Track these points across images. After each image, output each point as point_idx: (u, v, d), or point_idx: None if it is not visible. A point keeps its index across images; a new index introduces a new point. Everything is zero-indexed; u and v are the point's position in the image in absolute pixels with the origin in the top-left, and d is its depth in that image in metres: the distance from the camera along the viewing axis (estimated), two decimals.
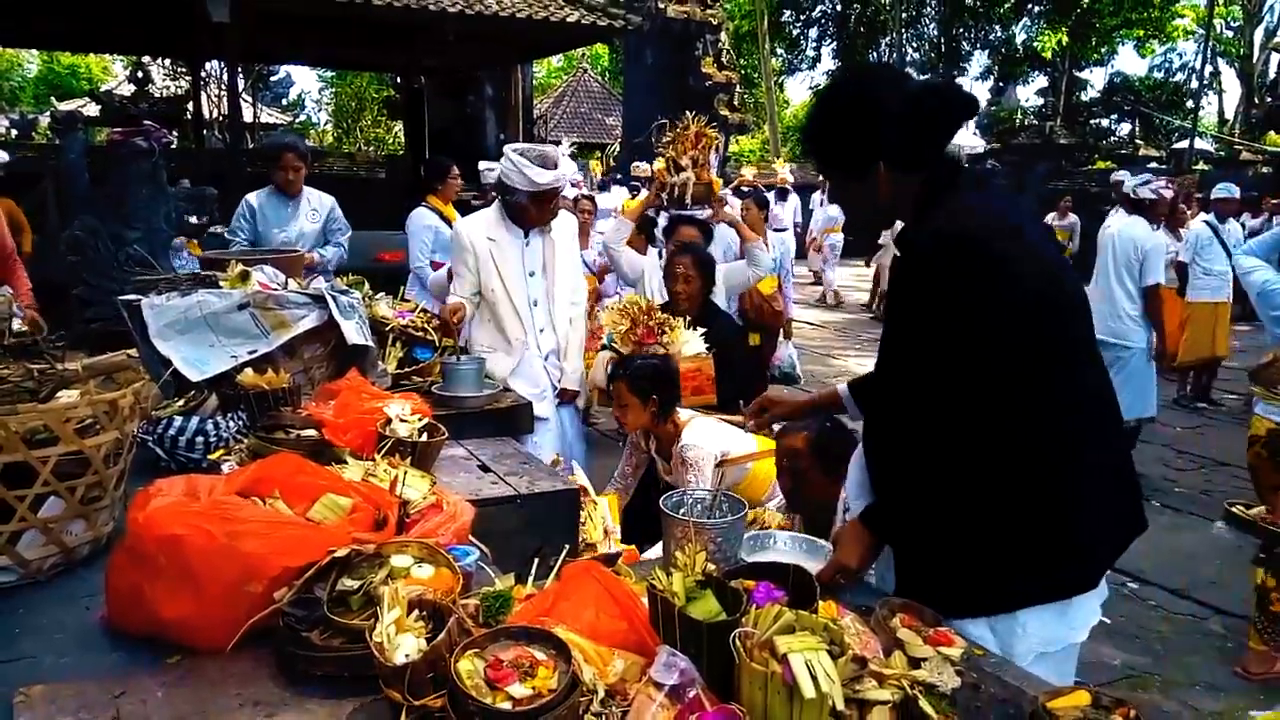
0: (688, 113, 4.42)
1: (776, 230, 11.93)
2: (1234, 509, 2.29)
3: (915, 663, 1.41)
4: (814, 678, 1.18)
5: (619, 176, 15.40)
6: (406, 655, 1.28)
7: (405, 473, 1.90)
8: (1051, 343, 1.69)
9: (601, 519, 2.98)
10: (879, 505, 1.81)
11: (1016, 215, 1.86)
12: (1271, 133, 22.87)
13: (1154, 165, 19.55)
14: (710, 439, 3.19)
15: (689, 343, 3.78)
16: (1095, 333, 1.91)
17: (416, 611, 1.38)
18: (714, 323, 4.15)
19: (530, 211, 3.59)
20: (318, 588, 1.51)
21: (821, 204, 16.66)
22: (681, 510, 1.92)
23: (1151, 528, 1.90)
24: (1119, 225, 6.32)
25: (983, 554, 1.72)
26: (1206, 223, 8.03)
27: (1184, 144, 20.22)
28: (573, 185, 12.59)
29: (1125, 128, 31.52)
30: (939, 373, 1.65)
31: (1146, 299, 6.09)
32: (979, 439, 1.65)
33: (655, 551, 2.62)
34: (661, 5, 17.40)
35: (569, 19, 11.82)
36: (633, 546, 2.91)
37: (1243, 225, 10.96)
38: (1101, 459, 1.78)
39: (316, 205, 5.22)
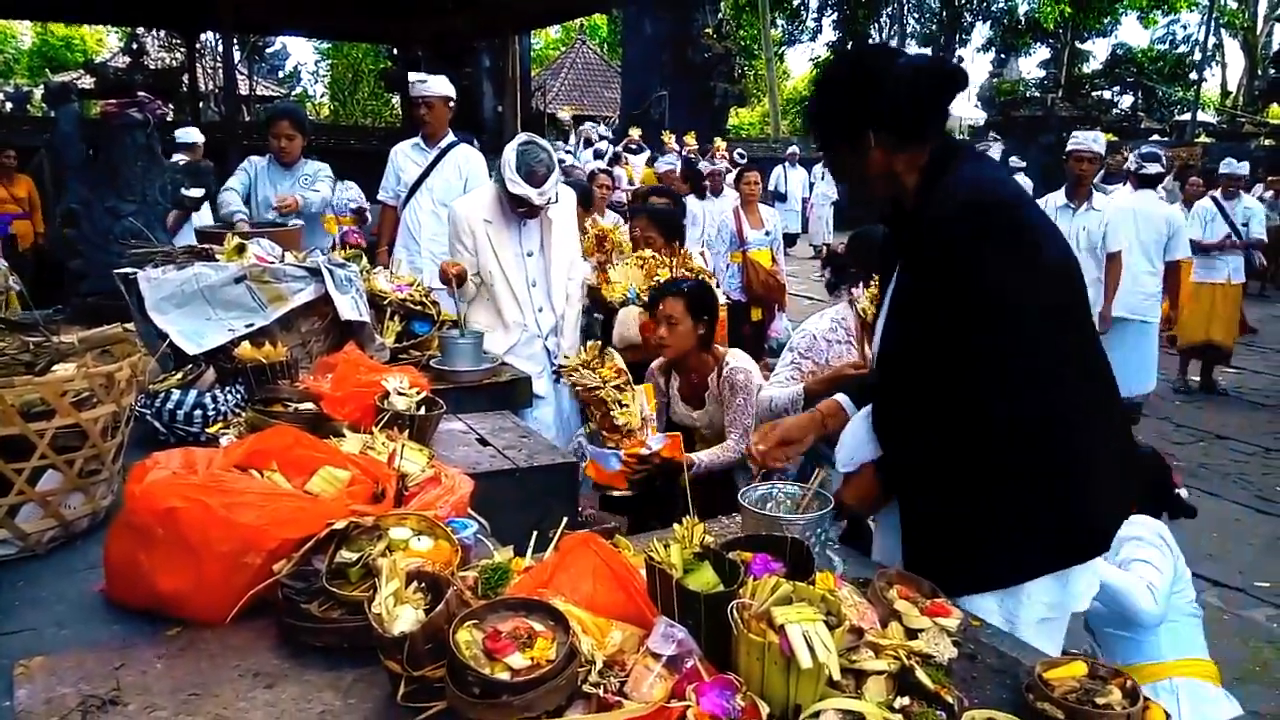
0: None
1: (774, 203, 11.92)
2: None
3: (912, 634, 1.41)
4: (811, 648, 1.18)
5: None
6: (405, 627, 1.28)
7: (403, 446, 1.90)
8: (1069, 310, 1.73)
9: (639, 407, 3.02)
10: (892, 464, 1.83)
11: (1018, 186, 1.90)
12: (1274, 105, 22.73)
13: (1156, 138, 19.46)
14: (754, 366, 3.27)
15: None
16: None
17: (415, 583, 1.38)
18: None
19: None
20: (316, 560, 1.51)
21: (823, 177, 16.73)
22: (769, 505, 1.82)
23: None
24: (1132, 203, 6.23)
25: (996, 527, 1.73)
26: (1213, 198, 7.91)
27: (1186, 116, 20.10)
28: (597, 157, 12.52)
29: (1127, 100, 31.29)
30: (967, 341, 1.66)
31: (1170, 273, 6.14)
32: (1000, 408, 1.66)
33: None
34: None
35: None
36: (678, 434, 3.01)
37: (1261, 199, 10.85)
38: (1108, 428, 1.80)
39: (311, 173, 5.19)
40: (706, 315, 3.26)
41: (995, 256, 1.64)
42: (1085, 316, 1.85)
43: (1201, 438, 6.60)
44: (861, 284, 3.03)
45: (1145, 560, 2.34)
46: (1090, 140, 5.70)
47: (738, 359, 3.29)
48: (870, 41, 33.43)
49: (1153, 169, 6.30)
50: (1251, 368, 8.70)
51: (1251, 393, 7.75)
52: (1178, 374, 7.91)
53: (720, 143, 14.71)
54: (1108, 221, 5.68)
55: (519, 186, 3.42)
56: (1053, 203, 5.79)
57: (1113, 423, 1.84)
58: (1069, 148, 5.72)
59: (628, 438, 2.97)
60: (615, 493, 3.03)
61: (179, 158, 6.15)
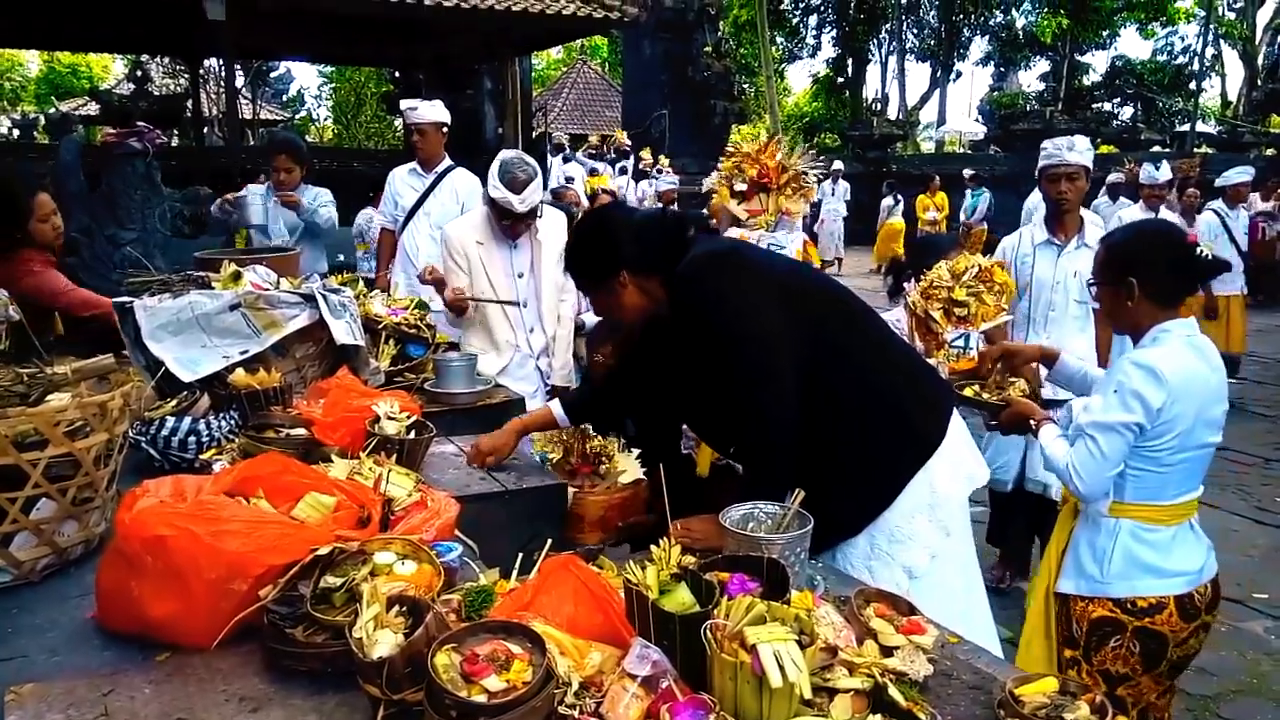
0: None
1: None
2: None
3: (887, 651, 1.43)
4: (781, 667, 1.21)
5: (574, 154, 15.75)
6: (385, 651, 1.30)
7: (389, 470, 1.92)
8: (830, 301, 2.22)
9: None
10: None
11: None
12: (1274, 115, 22.74)
13: (1156, 149, 19.48)
14: None
15: (626, 471, 2.85)
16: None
17: (397, 608, 1.40)
18: None
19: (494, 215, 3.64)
20: (302, 585, 1.53)
21: (833, 193, 16.90)
22: (750, 525, 1.82)
23: None
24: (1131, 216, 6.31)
25: (860, 474, 2.15)
26: (1215, 211, 7.89)
27: (1186, 127, 20.10)
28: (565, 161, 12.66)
29: (1127, 112, 31.34)
30: (778, 355, 2.03)
31: None
32: (825, 383, 2.09)
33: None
34: None
35: (565, 11, 11.81)
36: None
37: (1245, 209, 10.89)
38: (907, 360, 2.33)
39: (311, 199, 5.24)
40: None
41: (738, 288, 2.08)
42: (845, 301, 2.27)
43: None
44: (913, 280, 3.35)
45: (1088, 434, 2.19)
46: (1065, 149, 3.83)
47: None
48: (869, 57, 33.59)
49: (1112, 176, 6.34)
50: (1253, 378, 8.69)
51: (1252, 403, 7.74)
52: None
53: (647, 155, 15.24)
54: None
55: (499, 191, 3.47)
56: (1029, 239, 4.03)
57: (908, 356, 2.32)
58: (1040, 164, 3.91)
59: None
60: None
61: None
